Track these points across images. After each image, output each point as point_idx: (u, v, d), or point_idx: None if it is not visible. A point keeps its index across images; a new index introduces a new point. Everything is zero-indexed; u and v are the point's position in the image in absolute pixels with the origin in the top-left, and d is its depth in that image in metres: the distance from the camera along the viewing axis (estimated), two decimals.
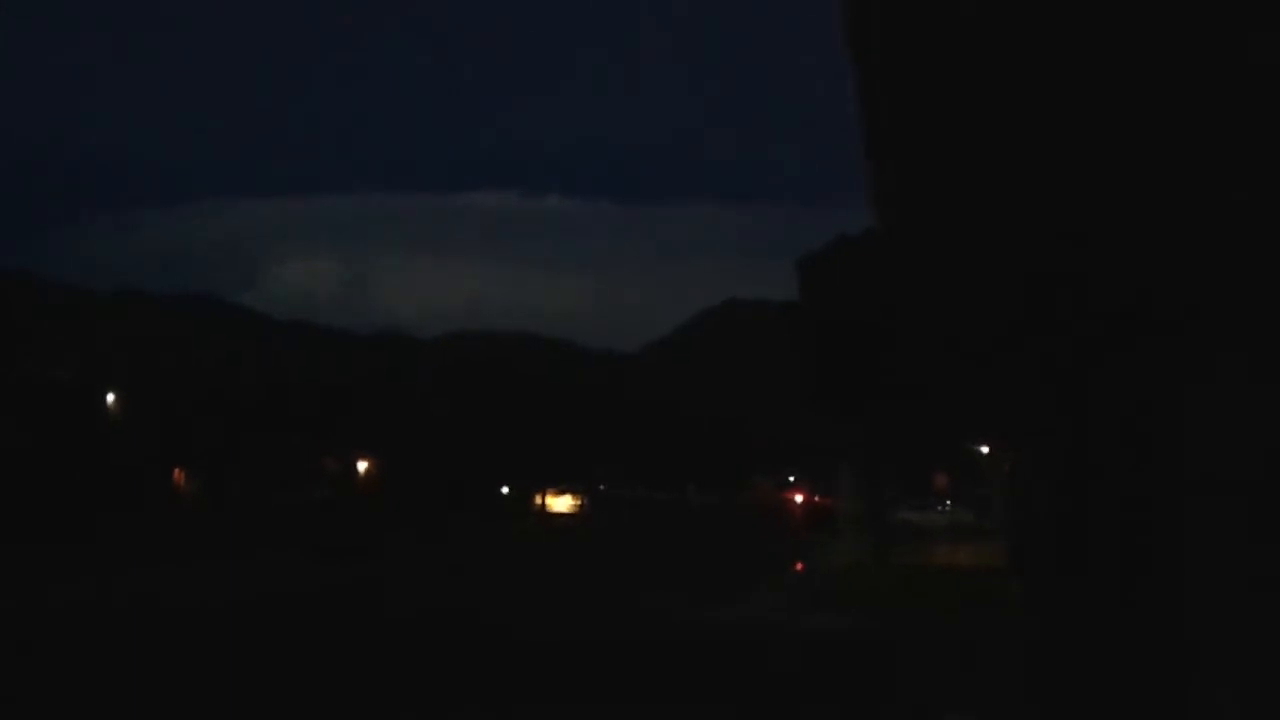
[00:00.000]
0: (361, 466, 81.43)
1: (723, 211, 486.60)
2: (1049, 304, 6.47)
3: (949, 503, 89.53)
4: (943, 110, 4.11)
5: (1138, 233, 5.15)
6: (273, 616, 22.23)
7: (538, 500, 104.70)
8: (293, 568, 34.30)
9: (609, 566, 37.32)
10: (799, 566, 36.28)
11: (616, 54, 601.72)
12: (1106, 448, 6.25)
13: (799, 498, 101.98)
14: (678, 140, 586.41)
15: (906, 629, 19.91)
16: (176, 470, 66.28)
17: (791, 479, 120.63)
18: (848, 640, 18.76)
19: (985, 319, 7.49)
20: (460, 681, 15.15)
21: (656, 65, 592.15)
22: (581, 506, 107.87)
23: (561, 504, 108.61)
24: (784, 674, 15.71)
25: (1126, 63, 3.68)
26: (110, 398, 59.85)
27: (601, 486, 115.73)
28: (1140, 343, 5.91)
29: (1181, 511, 5.22)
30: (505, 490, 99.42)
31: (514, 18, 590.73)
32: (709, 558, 41.44)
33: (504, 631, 20.12)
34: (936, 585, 27.36)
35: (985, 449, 61.20)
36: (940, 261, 6.22)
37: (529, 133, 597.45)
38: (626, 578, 32.18)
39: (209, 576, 30.51)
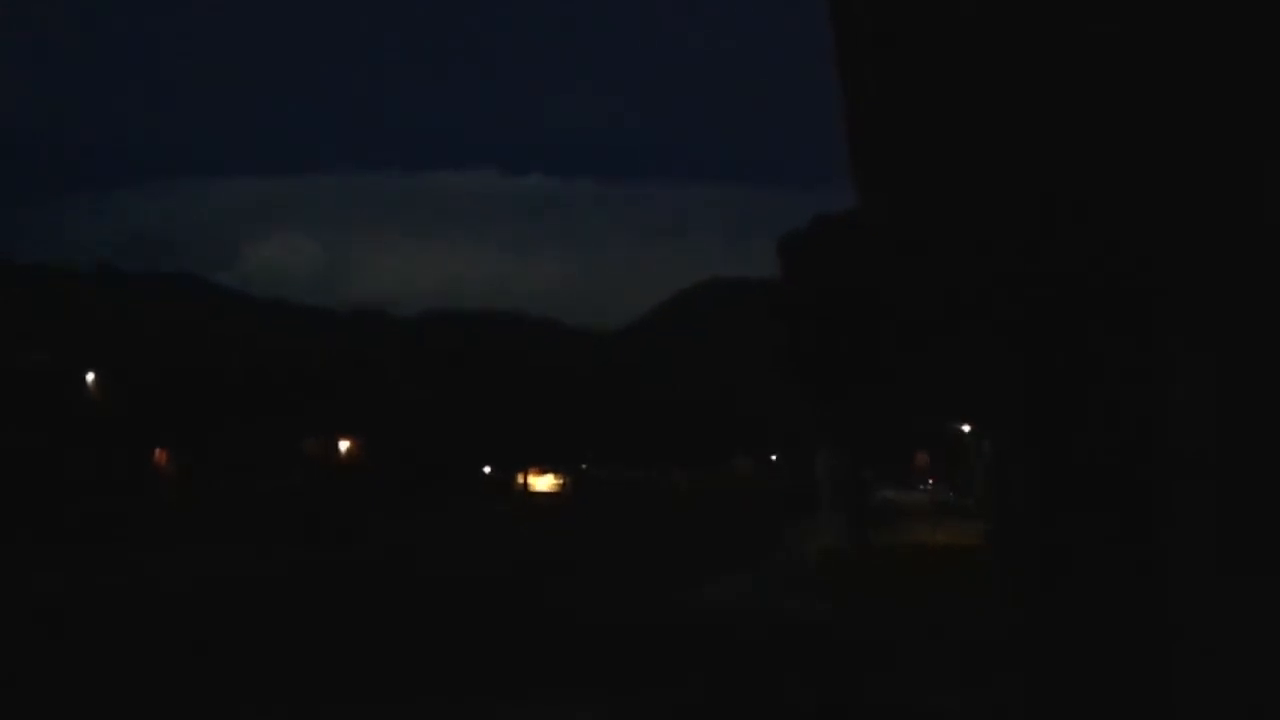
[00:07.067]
0: (343, 447, 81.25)
1: (704, 190, 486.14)
2: (1028, 282, 6.44)
3: (930, 481, 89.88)
4: (927, 87, 4.07)
5: (1124, 208, 5.12)
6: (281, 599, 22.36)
7: (520, 480, 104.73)
8: (285, 551, 34.23)
9: (598, 549, 37.29)
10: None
11: (598, 34, 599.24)
12: (1087, 430, 6.21)
13: None
14: (659, 118, 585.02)
15: (880, 613, 19.94)
16: (159, 452, 65.96)
17: (773, 458, 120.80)
18: (824, 624, 18.77)
19: (965, 297, 7.46)
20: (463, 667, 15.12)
21: (639, 45, 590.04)
22: (564, 487, 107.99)
23: (544, 484, 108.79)
24: (762, 654, 15.74)
25: (1110, 36, 3.64)
26: (90, 379, 59.44)
27: (583, 466, 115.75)
28: (1123, 320, 5.88)
29: (1169, 496, 5.19)
30: (488, 470, 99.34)
31: None
32: (696, 539, 41.43)
33: (503, 617, 20.13)
34: (911, 568, 27.38)
35: (966, 428, 61.52)
36: (923, 239, 6.19)
37: (510, 111, 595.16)
38: (615, 559, 32.18)
39: (204, 561, 30.40)
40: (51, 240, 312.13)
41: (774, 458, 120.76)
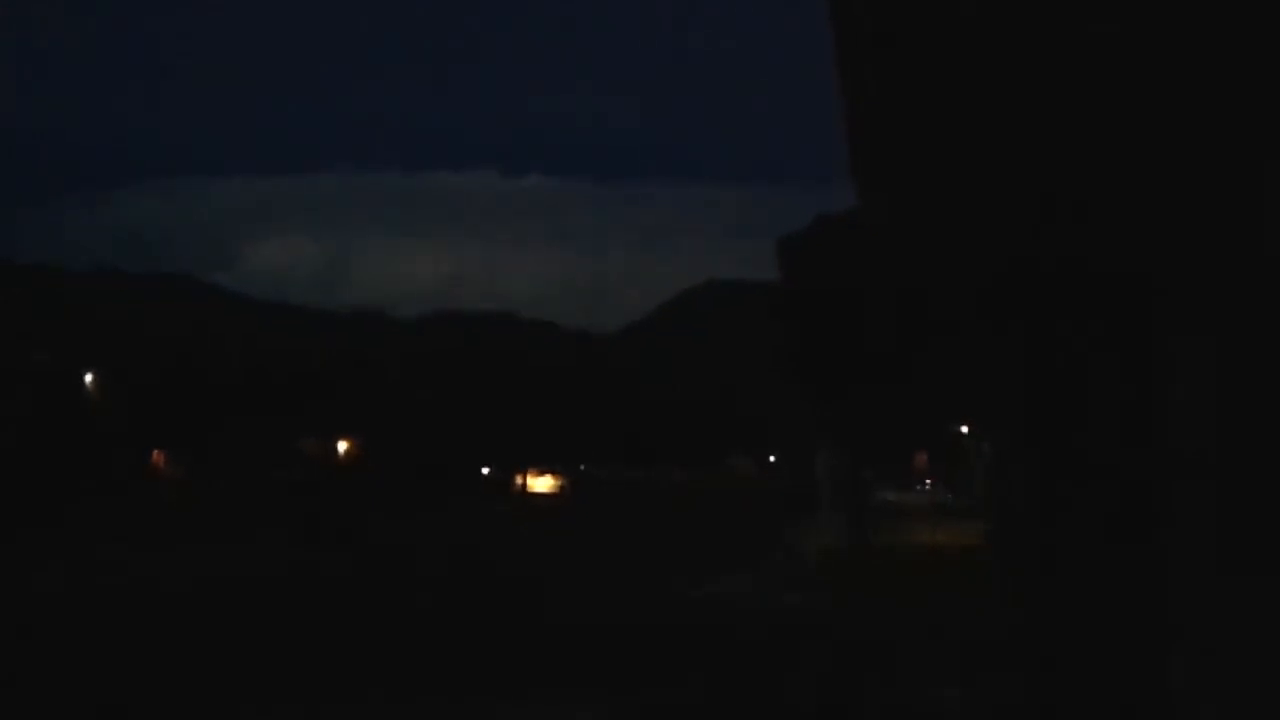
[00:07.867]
0: (343, 447, 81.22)
1: (704, 190, 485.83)
2: (1028, 282, 6.44)
3: (929, 482, 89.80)
4: (927, 87, 4.06)
5: (1124, 208, 5.12)
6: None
7: (519, 481, 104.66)
8: (285, 551, 34.18)
9: (597, 549, 37.28)
10: None
11: (598, 33, 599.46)
12: (1087, 430, 6.21)
13: None
14: (659, 118, 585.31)
15: (880, 613, 19.94)
16: (156, 452, 65.94)
17: (773, 458, 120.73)
18: (824, 624, 18.78)
19: (965, 297, 7.45)
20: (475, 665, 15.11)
21: (639, 45, 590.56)
22: (563, 488, 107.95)
23: (542, 484, 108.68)
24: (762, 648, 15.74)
25: (1110, 36, 3.64)
26: (89, 379, 59.41)
27: (582, 467, 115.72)
28: (1123, 320, 5.88)
29: (1169, 496, 5.19)
30: (486, 471, 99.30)
31: None
32: (696, 539, 41.42)
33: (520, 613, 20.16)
34: (911, 568, 27.39)
35: (965, 429, 61.49)
36: (924, 239, 6.18)
37: (510, 111, 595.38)
38: (614, 559, 32.17)
39: (204, 560, 30.34)
40: (51, 240, 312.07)
41: (773, 458, 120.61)
